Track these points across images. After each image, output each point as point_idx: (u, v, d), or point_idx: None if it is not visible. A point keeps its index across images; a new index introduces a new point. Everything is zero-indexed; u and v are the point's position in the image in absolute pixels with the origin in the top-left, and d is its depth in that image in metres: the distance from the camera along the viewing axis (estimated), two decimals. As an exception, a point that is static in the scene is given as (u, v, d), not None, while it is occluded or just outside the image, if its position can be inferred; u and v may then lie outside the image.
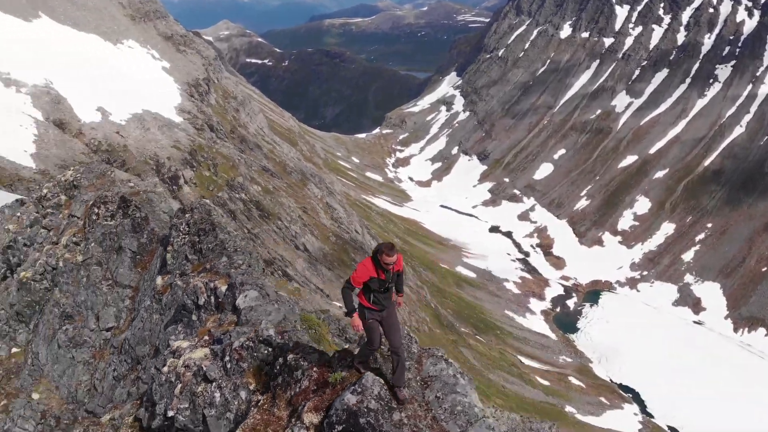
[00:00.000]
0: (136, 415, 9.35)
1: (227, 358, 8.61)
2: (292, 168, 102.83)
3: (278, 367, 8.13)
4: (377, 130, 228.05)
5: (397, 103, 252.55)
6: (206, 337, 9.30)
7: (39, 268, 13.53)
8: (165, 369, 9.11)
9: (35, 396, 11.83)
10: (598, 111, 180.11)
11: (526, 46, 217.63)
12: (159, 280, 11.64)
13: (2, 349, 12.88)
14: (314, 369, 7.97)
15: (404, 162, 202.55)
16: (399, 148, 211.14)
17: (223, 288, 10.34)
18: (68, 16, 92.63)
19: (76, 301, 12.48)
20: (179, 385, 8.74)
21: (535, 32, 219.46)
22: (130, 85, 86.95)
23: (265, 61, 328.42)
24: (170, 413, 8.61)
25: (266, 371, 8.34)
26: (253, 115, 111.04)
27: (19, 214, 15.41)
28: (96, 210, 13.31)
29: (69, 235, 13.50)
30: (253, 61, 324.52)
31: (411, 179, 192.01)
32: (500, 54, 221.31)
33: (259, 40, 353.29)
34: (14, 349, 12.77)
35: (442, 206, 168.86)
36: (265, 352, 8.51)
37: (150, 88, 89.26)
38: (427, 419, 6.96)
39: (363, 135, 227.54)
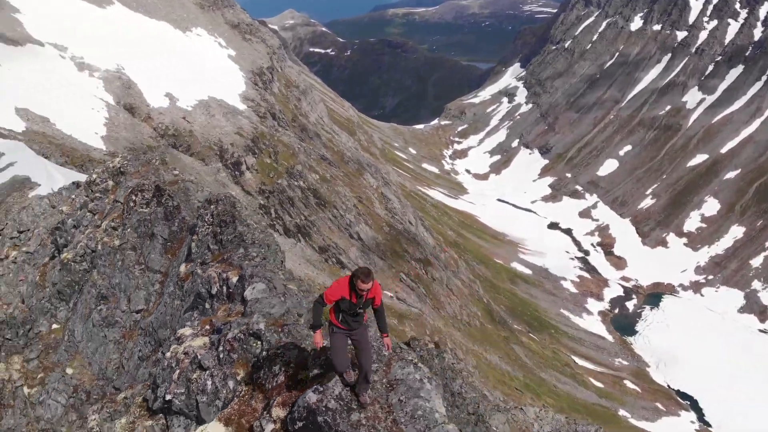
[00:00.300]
0: (144, 395, 9.85)
1: (221, 348, 8.97)
2: (350, 157, 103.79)
3: (261, 361, 8.42)
4: (436, 121, 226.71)
5: (457, 94, 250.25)
6: (207, 327, 9.68)
7: (80, 250, 14.28)
8: (168, 354, 9.61)
9: (69, 371, 12.54)
10: (668, 107, 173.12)
11: (594, 37, 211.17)
12: (182, 268, 12.14)
13: (43, 324, 13.68)
14: (291, 365, 8.20)
15: (462, 154, 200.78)
16: (457, 139, 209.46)
17: (235, 279, 10.67)
18: (140, 3, 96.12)
19: (111, 283, 13.13)
20: (177, 371, 9.16)
21: (604, 24, 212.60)
22: (197, 72, 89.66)
23: (328, 50, 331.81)
24: (168, 397, 9.08)
25: (253, 363, 8.62)
26: (314, 105, 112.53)
27: (73, 196, 16.29)
28: (133, 197, 13.94)
29: (109, 220, 14.18)
30: (317, 50, 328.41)
31: (468, 172, 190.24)
32: (567, 45, 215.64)
33: (323, 29, 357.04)
34: (54, 326, 13.56)
35: (499, 200, 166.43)
36: (254, 345, 8.78)
37: (216, 75, 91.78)
38: (386, 422, 7.03)
39: (421, 126, 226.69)
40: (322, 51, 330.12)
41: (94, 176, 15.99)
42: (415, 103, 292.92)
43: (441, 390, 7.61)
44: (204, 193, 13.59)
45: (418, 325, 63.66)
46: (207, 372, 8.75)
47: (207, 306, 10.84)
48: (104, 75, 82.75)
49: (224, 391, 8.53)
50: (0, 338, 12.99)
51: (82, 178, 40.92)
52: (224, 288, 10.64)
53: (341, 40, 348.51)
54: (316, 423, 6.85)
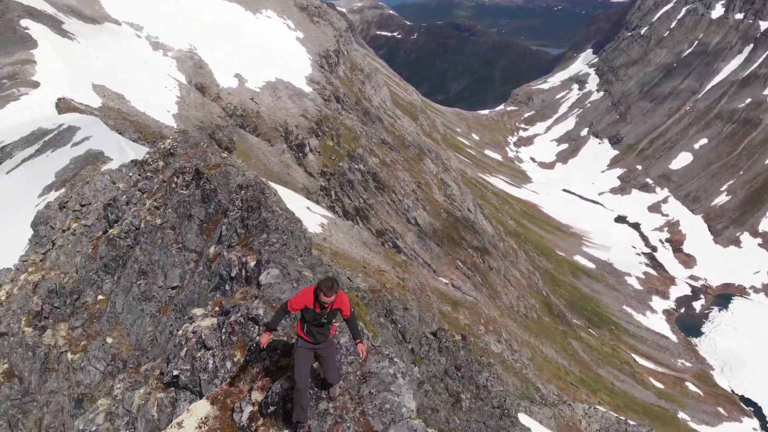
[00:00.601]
0: (162, 369, 10.31)
1: (224, 329, 9.39)
2: (410, 142, 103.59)
3: (254, 345, 8.71)
4: (501, 107, 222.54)
5: (525, 80, 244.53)
6: (217, 308, 10.10)
7: (125, 227, 15.02)
8: (179, 332, 10.12)
9: (109, 340, 13.33)
10: (748, 100, 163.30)
11: (672, 25, 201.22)
12: (212, 249, 12.65)
13: (90, 295, 14.51)
14: (278, 351, 8.44)
15: (527, 141, 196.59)
16: (523, 126, 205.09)
17: (252, 263, 11.04)
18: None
19: (151, 259, 13.76)
20: (185, 349, 9.68)
21: (683, 11, 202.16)
22: (266, 53, 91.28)
23: (395, 33, 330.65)
24: (175, 372, 9.65)
25: (249, 347, 8.92)
26: (378, 88, 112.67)
27: (130, 174, 17.00)
28: (175, 179, 14.49)
29: (153, 200, 14.83)
30: (383, 33, 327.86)
31: (533, 160, 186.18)
32: (642, 32, 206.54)
33: (391, 12, 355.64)
34: (99, 297, 14.36)
35: (564, 190, 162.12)
36: (252, 329, 9.10)
37: (284, 57, 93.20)
38: (354, 412, 7.25)
39: (486, 111, 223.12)
40: (389, 34, 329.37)
41: (147, 156, 16.68)
42: (481, 88, 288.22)
43: (415, 386, 7.80)
44: (244, 177, 13.98)
45: (472, 313, 63.27)
46: (210, 352, 9.23)
47: (227, 288, 11.38)
48: (177, 55, 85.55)
49: (222, 371, 8.98)
50: (49, 306, 13.90)
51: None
52: (243, 272, 11.10)
53: (408, 23, 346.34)
54: (286, 409, 7.20)
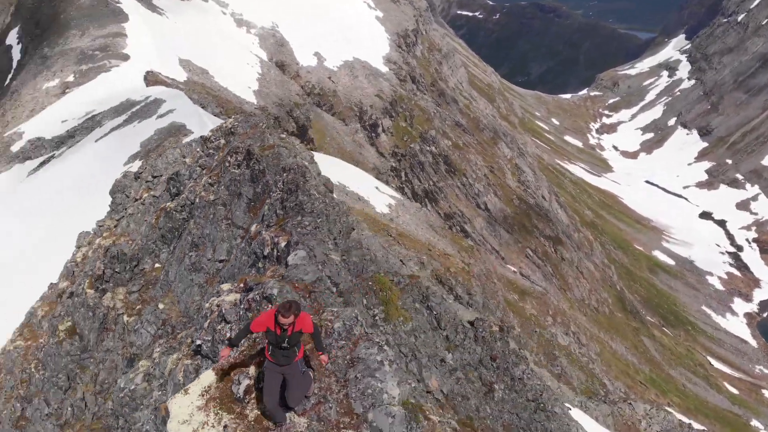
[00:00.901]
0: (192, 337, 10.74)
1: (242, 306, 9.84)
2: (485, 125, 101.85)
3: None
4: (584, 92, 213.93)
5: (611, 64, 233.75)
6: (242, 285, 10.47)
7: (182, 200, 15.62)
8: (206, 305, 10.65)
9: (161, 306, 14.12)
10: None
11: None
12: (254, 227, 13.20)
13: (148, 263, 15.39)
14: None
15: (610, 129, 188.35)
16: (606, 112, 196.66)
17: (283, 244, 11.45)
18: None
19: (203, 233, 14.31)
20: (208, 321, 10.20)
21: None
22: (346, 32, 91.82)
23: (476, 13, 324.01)
24: (198, 341, 10.21)
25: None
26: (455, 69, 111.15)
27: (198, 150, 17.59)
28: (229, 158, 14.93)
29: (209, 177, 15.32)
30: (464, 13, 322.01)
31: (615, 148, 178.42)
32: (740, 19, 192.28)
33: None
34: (156, 265, 15.18)
35: (647, 182, 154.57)
36: (265, 307, 9.38)
37: (362, 36, 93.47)
38: (338, 394, 7.65)
39: (568, 96, 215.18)
40: (470, 14, 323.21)
41: (210, 134, 17.23)
42: (564, 72, 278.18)
43: (401, 374, 8.00)
44: (295, 160, 14.24)
45: (540, 303, 62.10)
46: (228, 325, 9.70)
47: (260, 265, 11.83)
48: (260, 32, 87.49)
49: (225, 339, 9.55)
50: (111, 270, 14.75)
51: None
52: (274, 251, 11.53)
53: (490, 2, 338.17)
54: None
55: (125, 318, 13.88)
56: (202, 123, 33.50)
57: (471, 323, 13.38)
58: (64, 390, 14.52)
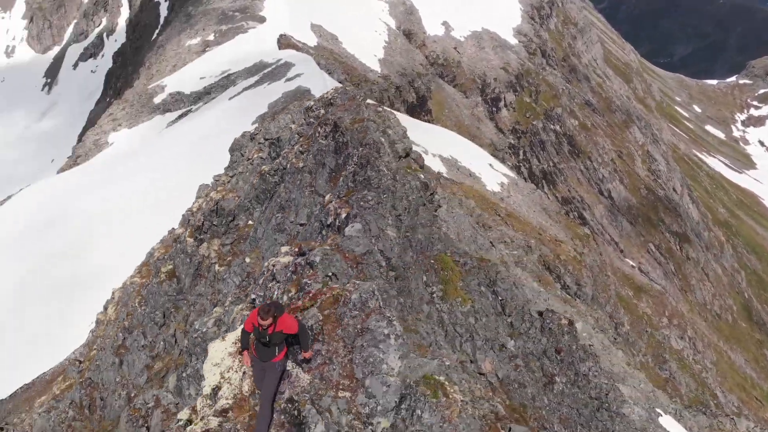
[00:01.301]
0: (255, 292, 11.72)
1: (290, 268, 10.76)
2: (618, 106, 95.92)
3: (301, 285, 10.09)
4: (733, 79, 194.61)
5: (765, 51, 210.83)
6: (296, 249, 11.34)
7: (276, 165, 16.38)
8: (265, 264, 11.65)
9: (247, 260, 15.18)
10: None
11: None
12: (327, 197, 13.76)
13: (242, 219, 17.02)
14: (310, 293, 9.67)
15: (758, 121, 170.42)
16: (755, 104, 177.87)
17: (344, 215, 12.27)
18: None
19: (289, 197, 15.09)
20: (263, 278, 11.14)
21: None
22: (476, 2, 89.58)
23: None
24: (252, 296, 11.14)
25: (299, 286, 10.13)
26: (590, 45, 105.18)
27: (305, 117, 18.14)
28: (319, 129, 15.37)
29: (301, 144, 15.89)
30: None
31: (762, 144, 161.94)
32: None
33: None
34: (249, 222, 16.58)
35: None
36: (308, 272, 10.34)
37: (493, 6, 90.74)
38: (344, 358, 8.37)
39: (714, 82, 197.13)
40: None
41: (311, 103, 17.70)
42: (711, 55, 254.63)
43: (406, 348, 8.53)
44: (379, 135, 14.45)
45: (656, 303, 58.55)
46: (277, 284, 10.60)
47: (324, 233, 12.65)
48: (390, 0, 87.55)
49: (281, 303, 10.32)
50: (209, 223, 15.88)
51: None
52: (336, 221, 12.35)
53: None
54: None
55: (216, 267, 15.01)
56: (325, 89, 34.24)
57: (540, 313, 13.07)
58: (159, 326, 16.09)
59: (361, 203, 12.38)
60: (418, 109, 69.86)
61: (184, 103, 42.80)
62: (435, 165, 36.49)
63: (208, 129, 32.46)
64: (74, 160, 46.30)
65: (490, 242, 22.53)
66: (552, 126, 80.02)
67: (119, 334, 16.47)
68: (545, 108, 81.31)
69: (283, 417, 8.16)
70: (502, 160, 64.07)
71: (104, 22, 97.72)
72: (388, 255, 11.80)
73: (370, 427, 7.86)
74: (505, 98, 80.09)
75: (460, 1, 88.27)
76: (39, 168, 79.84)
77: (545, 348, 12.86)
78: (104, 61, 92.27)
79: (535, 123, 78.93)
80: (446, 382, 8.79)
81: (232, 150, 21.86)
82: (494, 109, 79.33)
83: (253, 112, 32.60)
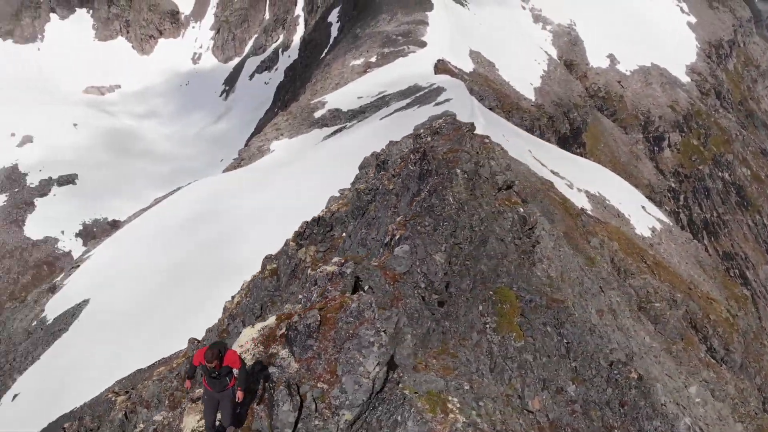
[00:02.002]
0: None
1: (328, 276, 11.96)
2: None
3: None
4: None
5: None
6: (343, 261, 12.32)
7: (370, 185, 17.04)
8: (317, 271, 12.67)
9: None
10: None
11: None
12: (398, 218, 14.47)
13: (338, 230, 17.85)
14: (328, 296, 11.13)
15: None
16: None
17: (398, 236, 13.33)
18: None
19: (376, 216, 15.95)
20: (308, 282, 12.58)
21: None
22: (647, 35, 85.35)
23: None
24: (299, 296, 12.45)
25: (324, 291, 11.50)
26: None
27: (414, 143, 18.67)
28: (411, 155, 15.98)
29: (395, 168, 16.42)
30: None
31: None
32: None
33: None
34: (343, 234, 17.53)
35: None
36: (337, 281, 11.65)
37: (666, 41, 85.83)
38: (330, 356, 9.58)
39: None
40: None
41: (421, 131, 18.35)
42: None
43: (386, 357, 9.62)
44: (471, 166, 14.75)
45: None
46: (316, 288, 11.92)
47: (381, 251, 13.78)
48: (555, 29, 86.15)
49: (311, 298, 11.90)
50: (309, 231, 17.08)
51: (500, 124, 44.71)
52: (391, 241, 13.46)
53: None
54: (290, 335, 10.04)
55: (309, 271, 16.08)
56: (473, 115, 34.63)
57: (610, 363, 12.29)
58: (256, 316, 17.38)
59: (418, 227, 13.38)
60: (571, 141, 67.80)
61: (341, 120, 45.37)
62: (579, 200, 35.33)
63: (355, 146, 34.21)
64: (238, 162, 50.87)
65: (600, 287, 21.35)
66: (720, 173, 73.59)
67: (225, 320, 18.22)
68: (714, 153, 75.06)
69: (265, 396, 9.65)
70: (658, 204, 60.02)
71: (281, 38, 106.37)
72: (432, 278, 12.56)
73: (336, 416, 9.00)
74: (669, 138, 75.16)
75: (629, 35, 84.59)
76: (208, 165, 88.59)
77: (609, 399, 12.37)
78: (277, 75, 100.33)
79: (701, 168, 73.07)
80: (451, 402, 9.65)
81: (360, 167, 23.28)
82: (656, 148, 74.74)
83: (398, 133, 33.82)
